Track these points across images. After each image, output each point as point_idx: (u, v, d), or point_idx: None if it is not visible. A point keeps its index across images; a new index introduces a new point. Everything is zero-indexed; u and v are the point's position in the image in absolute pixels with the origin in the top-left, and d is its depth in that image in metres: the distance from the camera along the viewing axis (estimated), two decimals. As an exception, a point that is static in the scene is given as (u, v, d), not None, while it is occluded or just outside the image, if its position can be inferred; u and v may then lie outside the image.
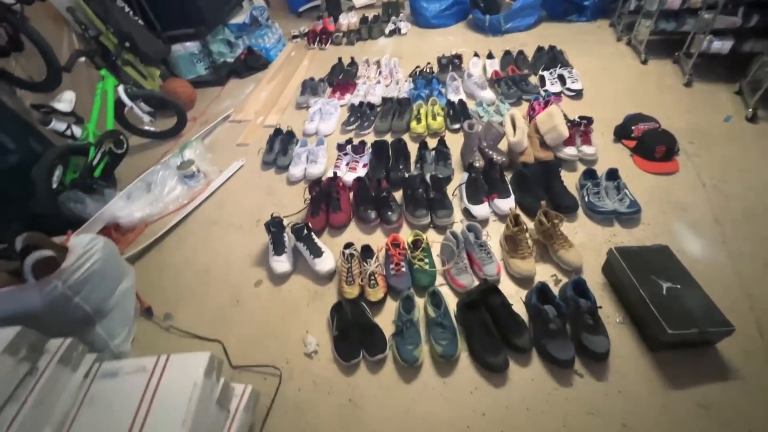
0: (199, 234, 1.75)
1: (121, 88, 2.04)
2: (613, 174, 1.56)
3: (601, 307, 1.16)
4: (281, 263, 1.46)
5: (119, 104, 2.07)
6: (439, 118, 2.05)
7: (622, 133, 1.85)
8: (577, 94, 2.18)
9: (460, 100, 2.16)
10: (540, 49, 2.54)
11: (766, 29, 1.96)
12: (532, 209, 1.51)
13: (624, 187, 1.52)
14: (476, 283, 1.33)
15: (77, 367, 0.95)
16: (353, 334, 1.21)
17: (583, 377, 1.09)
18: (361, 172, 1.83)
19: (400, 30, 3.30)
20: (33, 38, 1.83)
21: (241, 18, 3.32)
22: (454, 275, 1.33)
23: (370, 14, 3.55)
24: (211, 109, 2.72)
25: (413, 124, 2.05)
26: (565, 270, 1.34)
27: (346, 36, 3.36)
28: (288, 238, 1.53)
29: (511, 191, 1.60)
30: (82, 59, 1.99)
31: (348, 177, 1.78)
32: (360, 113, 2.23)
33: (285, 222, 1.53)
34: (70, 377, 0.92)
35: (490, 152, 1.76)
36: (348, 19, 3.52)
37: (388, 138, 2.07)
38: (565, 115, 1.81)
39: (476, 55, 2.61)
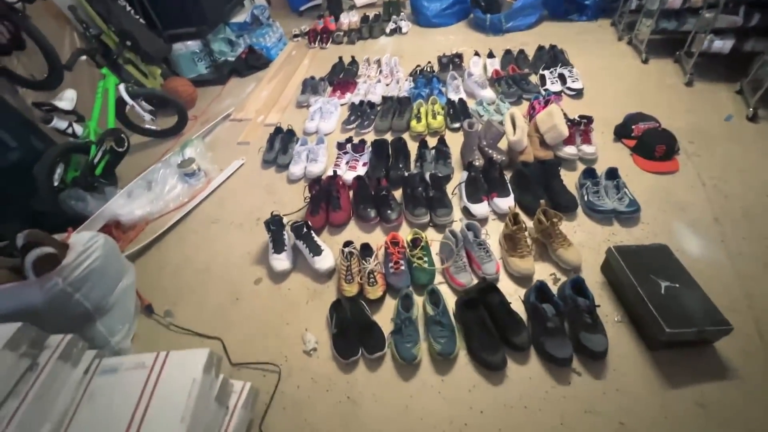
0: (200, 232, 1.76)
1: (122, 87, 2.05)
2: (612, 173, 1.56)
3: (599, 306, 1.16)
4: (281, 261, 1.47)
5: (120, 103, 2.08)
6: (440, 117, 2.06)
7: (622, 132, 1.85)
8: (578, 94, 2.18)
9: (461, 99, 2.16)
10: (541, 48, 2.54)
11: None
12: (531, 208, 1.51)
13: (623, 186, 1.52)
14: (475, 281, 1.34)
15: (77, 363, 0.96)
16: (352, 332, 1.22)
17: (581, 376, 1.09)
18: (361, 170, 1.83)
19: (400, 29, 3.30)
20: (35, 37, 1.84)
21: (242, 17, 3.33)
22: (453, 274, 1.34)
23: (371, 13, 3.55)
24: (211, 107, 2.72)
25: (413, 123, 2.05)
26: (563, 269, 1.35)
27: (347, 35, 3.37)
28: (288, 236, 1.54)
29: (511, 190, 1.60)
30: (84, 58, 2.00)
31: (348, 176, 1.78)
32: (360, 112, 2.23)
33: (285, 220, 1.54)
34: (70, 373, 0.93)
35: (490, 151, 1.77)
36: (349, 18, 3.52)
37: (388, 137, 2.08)
38: (565, 114, 1.81)
39: (477, 54, 2.61)
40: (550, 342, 1.11)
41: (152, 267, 1.63)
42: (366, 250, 1.43)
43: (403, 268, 1.36)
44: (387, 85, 2.53)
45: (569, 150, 1.74)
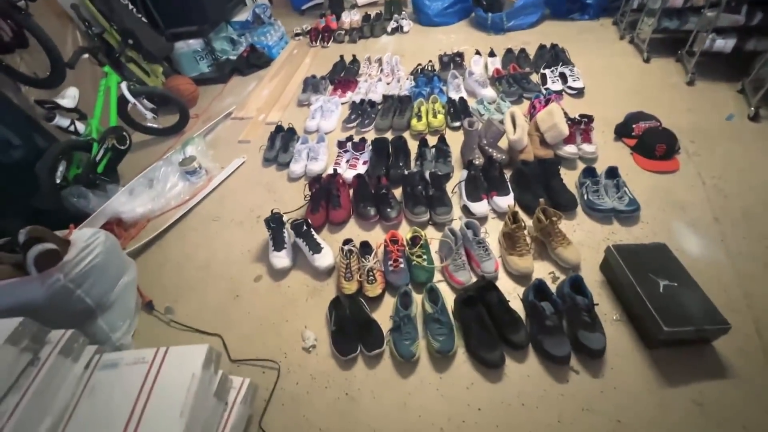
0: (200, 230, 1.77)
1: (124, 85, 2.06)
2: (612, 172, 1.55)
3: (597, 305, 1.16)
4: (281, 259, 1.47)
5: (122, 101, 2.09)
6: (440, 116, 2.06)
7: (622, 131, 1.85)
8: (579, 93, 2.18)
9: (461, 98, 2.16)
10: (542, 47, 2.53)
11: (770, 28, 1.96)
12: (531, 207, 1.51)
13: (623, 185, 1.52)
14: (474, 279, 1.34)
15: (78, 358, 0.97)
16: (351, 329, 1.22)
17: (579, 374, 1.09)
18: (361, 169, 1.83)
19: (402, 28, 3.30)
20: (37, 35, 1.85)
21: (243, 16, 3.34)
22: (452, 272, 1.34)
23: (373, 12, 3.56)
24: (213, 106, 2.73)
25: (414, 121, 2.06)
26: (562, 267, 1.35)
27: (348, 34, 3.37)
28: (288, 234, 1.54)
29: (511, 189, 1.60)
30: (86, 56, 2.01)
31: (348, 174, 1.79)
32: (361, 111, 2.24)
33: (285, 218, 1.54)
34: (71, 368, 0.94)
35: (490, 150, 1.77)
36: (350, 17, 3.53)
37: (389, 135, 2.08)
38: (565, 113, 1.81)
39: (478, 53, 2.60)
40: (549, 340, 1.11)
41: (153, 264, 1.64)
42: (365, 248, 1.43)
43: (402, 266, 1.36)
44: (388, 83, 2.53)
45: (569, 149, 1.74)
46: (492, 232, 1.49)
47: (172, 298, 1.48)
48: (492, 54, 2.59)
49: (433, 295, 1.25)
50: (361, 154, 1.88)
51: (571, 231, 1.45)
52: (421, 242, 1.39)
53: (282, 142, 2.09)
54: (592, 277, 1.30)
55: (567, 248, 1.34)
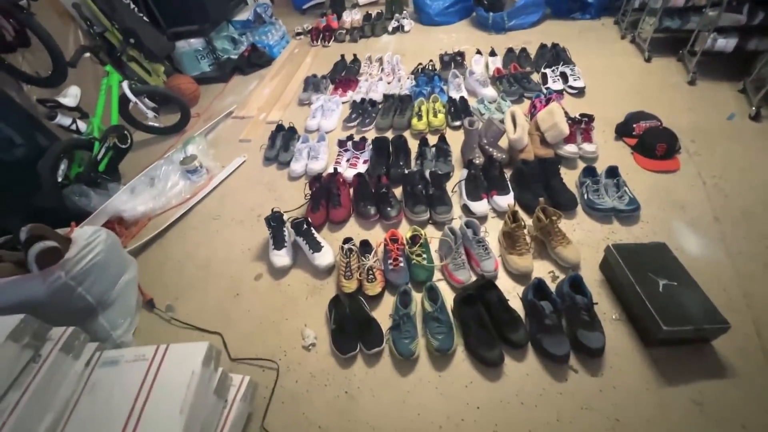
0: (201, 228, 1.77)
1: (125, 84, 2.07)
2: (613, 171, 1.55)
3: (597, 304, 1.16)
4: (281, 257, 1.48)
5: (124, 100, 2.10)
6: (440, 115, 2.06)
7: (623, 130, 1.84)
8: (579, 92, 2.17)
9: (462, 98, 2.16)
10: (543, 46, 2.53)
11: (771, 27, 1.95)
12: (531, 206, 1.51)
13: (624, 184, 1.52)
14: (473, 278, 1.34)
15: (79, 355, 0.97)
16: (351, 328, 1.22)
17: (578, 373, 1.09)
18: (362, 168, 1.84)
19: (403, 27, 3.30)
20: (39, 34, 1.86)
21: (245, 15, 3.34)
22: (452, 271, 1.34)
23: (374, 11, 3.56)
24: (214, 105, 2.74)
25: (414, 121, 2.06)
26: (562, 266, 1.35)
27: (349, 33, 3.37)
28: (288, 232, 1.55)
29: (511, 188, 1.60)
30: (88, 55, 2.02)
31: (348, 173, 1.79)
32: (362, 110, 2.24)
33: (285, 217, 1.55)
34: (72, 365, 0.95)
35: (491, 149, 1.77)
36: (351, 17, 3.53)
37: (389, 135, 2.08)
38: (566, 113, 1.81)
39: (479, 52, 2.60)
40: (548, 339, 1.12)
41: (154, 262, 1.65)
42: (365, 246, 1.43)
43: (402, 264, 1.36)
44: (389, 83, 2.53)
45: (570, 148, 1.74)
46: (492, 231, 1.49)
47: (173, 296, 1.49)
48: (493, 53, 2.58)
49: (433, 294, 1.26)
50: (361, 153, 1.89)
51: (570, 230, 1.45)
52: (421, 241, 1.40)
53: (283, 141, 2.09)
54: (591, 277, 1.30)
55: (567, 247, 1.34)
